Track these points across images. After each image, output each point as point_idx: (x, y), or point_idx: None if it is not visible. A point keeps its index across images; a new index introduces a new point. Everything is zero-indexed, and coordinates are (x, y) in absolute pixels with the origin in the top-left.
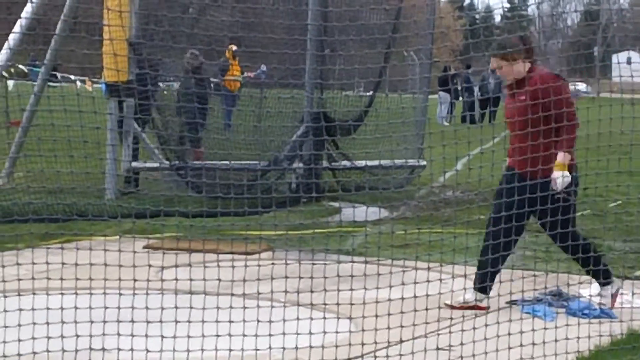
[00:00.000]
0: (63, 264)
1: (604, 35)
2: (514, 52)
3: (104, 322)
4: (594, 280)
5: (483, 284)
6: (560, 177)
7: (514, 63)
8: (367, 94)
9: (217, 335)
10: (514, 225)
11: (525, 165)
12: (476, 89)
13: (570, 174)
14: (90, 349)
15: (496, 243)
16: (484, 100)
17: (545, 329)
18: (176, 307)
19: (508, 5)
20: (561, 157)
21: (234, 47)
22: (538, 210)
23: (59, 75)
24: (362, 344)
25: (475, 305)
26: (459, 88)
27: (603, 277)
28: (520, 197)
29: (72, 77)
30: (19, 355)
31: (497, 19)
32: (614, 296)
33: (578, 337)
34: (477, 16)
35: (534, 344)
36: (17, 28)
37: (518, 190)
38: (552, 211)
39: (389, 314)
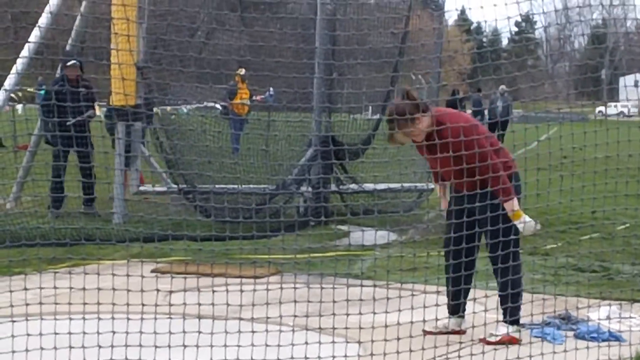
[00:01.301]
0: (71, 288)
1: (611, 59)
2: (410, 115)
3: (112, 346)
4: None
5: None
6: (523, 224)
7: (416, 124)
8: (375, 117)
9: None
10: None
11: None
12: (486, 112)
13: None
14: None
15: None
16: (493, 123)
17: (554, 352)
18: (184, 332)
19: (515, 29)
20: (509, 206)
21: (243, 71)
22: (481, 223)
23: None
24: None
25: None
26: (469, 111)
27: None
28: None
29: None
30: None
31: (505, 42)
32: (504, 336)
33: None
34: (484, 39)
35: None
36: (24, 52)
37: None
38: (493, 225)
39: (398, 338)
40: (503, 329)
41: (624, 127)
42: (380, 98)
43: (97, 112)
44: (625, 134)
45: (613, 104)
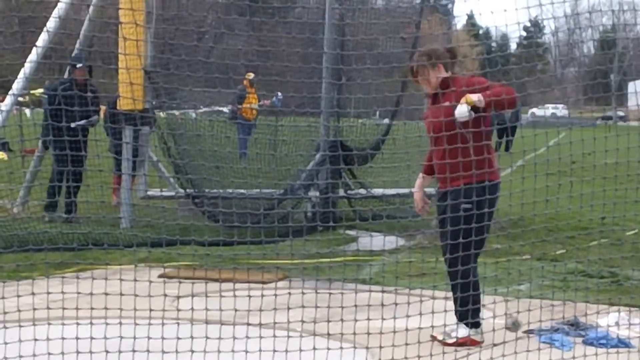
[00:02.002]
0: (78, 293)
1: (620, 64)
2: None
3: (120, 352)
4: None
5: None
6: (460, 107)
7: (436, 72)
8: (384, 122)
9: None
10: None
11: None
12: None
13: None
14: None
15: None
16: (501, 129)
17: (563, 359)
18: (192, 337)
19: (524, 34)
20: (476, 96)
21: (252, 75)
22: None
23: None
24: None
25: (468, 338)
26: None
27: (472, 317)
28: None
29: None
30: None
31: (514, 46)
32: (459, 339)
33: None
34: (493, 44)
35: None
36: (32, 56)
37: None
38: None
39: (407, 344)
40: (464, 331)
41: (635, 133)
42: (390, 103)
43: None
44: (635, 139)
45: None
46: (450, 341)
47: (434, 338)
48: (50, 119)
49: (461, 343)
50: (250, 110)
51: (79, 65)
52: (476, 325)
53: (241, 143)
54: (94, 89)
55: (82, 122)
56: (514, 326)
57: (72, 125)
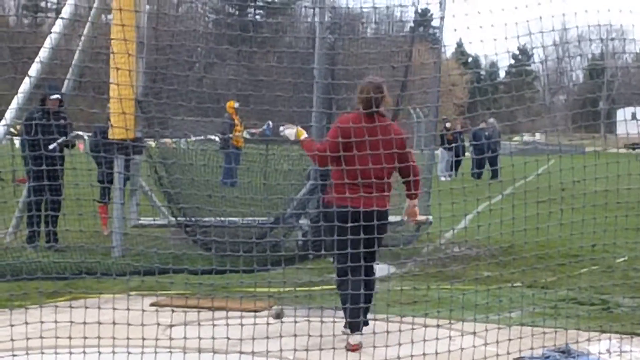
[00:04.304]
0: (71, 322)
1: (608, 92)
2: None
3: None
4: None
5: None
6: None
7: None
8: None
9: None
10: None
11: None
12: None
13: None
14: None
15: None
16: (480, 159)
17: None
18: None
19: (513, 62)
20: (304, 133)
21: (235, 104)
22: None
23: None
24: None
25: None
26: (465, 144)
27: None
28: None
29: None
30: None
31: (502, 75)
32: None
33: None
34: (482, 72)
35: None
36: (25, 86)
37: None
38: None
39: None
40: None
41: (624, 161)
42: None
43: (81, 147)
44: (625, 167)
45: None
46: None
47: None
48: (27, 149)
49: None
50: (239, 138)
51: (54, 96)
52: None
53: (229, 171)
54: (65, 116)
55: (60, 140)
56: (277, 316)
57: (50, 147)
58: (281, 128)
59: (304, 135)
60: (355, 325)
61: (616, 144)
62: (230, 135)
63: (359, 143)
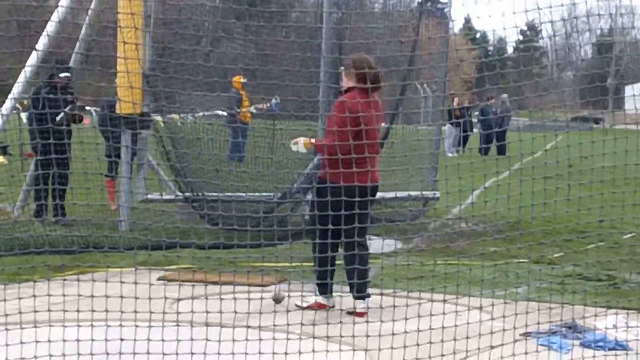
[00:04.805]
0: (79, 295)
1: (617, 68)
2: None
3: (120, 354)
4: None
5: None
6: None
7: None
8: (382, 125)
9: None
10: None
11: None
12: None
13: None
14: None
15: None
16: (488, 135)
17: None
18: (192, 339)
19: (521, 37)
20: (314, 141)
21: (242, 79)
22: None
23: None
24: None
25: (316, 303)
26: (474, 120)
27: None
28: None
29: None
30: None
31: (510, 50)
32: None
33: None
34: (490, 48)
35: None
36: (32, 60)
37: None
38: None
39: (405, 346)
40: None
41: (633, 137)
42: (389, 107)
43: (87, 122)
44: (633, 143)
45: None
46: (305, 305)
47: (298, 307)
48: (35, 123)
49: (313, 307)
50: (245, 113)
51: (63, 74)
52: (324, 292)
53: (237, 146)
54: (72, 91)
55: (67, 108)
56: (277, 300)
57: (57, 118)
58: (291, 145)
59: (311, 142)
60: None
61: (624, 120)
62: (238, 110)
63: (366, 120)
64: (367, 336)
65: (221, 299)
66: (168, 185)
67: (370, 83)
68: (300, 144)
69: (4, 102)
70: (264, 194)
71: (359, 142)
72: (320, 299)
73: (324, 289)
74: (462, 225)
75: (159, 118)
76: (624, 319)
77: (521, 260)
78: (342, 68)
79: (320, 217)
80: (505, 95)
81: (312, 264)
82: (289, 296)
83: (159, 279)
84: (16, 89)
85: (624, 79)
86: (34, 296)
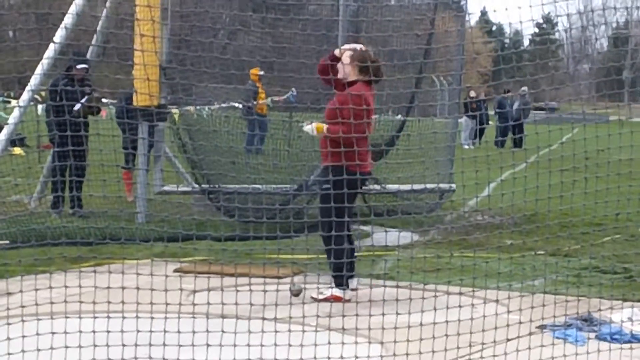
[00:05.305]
0: (95, 287)
1: (633, 61)
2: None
3: (136, 345)
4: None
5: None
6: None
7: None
8: (398, 117)
9: None
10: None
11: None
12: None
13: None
14: None
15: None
16: (505, 127)
17: (576, 354)
18: (208, 331)
19: (537, 30)
20: (324, 126)
21: (260, 72)
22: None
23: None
24: None
25: (332, 296)
26: (489, 113)
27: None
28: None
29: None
30: None
31: (526, 43)
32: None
33: None
34: (506, 41)
35: None
36: (50, 53)
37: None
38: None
39: (421, 339)
40: (328, 291)
41: None
42: (404, 99)
43: (104, 114)
44: None
45: None
46: (322, 297)
47: (313, 299)
48: (52, 115)
49: (329, 299)
50: (262, 106)
51: (81, 66)
52: (340, 284)
53: (252, 138)
54: (89, 83)
55: (84, 99)
56: (296, 294)
57: (75, 108)
58: (304, 125)
59: (323, 127)
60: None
61: None
62: (254, 103)
63: (369, 111)
64: (383, 328)
65: (237, 291)
66: (185, 177)
67: (373, 76)
68: (312, 127)
69: (22, 94)
70: (281, 185)
71: (368, 133)
72: (337, 292)
73: (340, 280)
74: (479, 218)
75: (175, 110)
76: None
77: (537, 253)
78: (347, 58)
79: (336, 205)
80: (525, 88)
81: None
82: (305, 288)
83: (175, 270)
84: (34, 80)
85: None
86: (51, 287)
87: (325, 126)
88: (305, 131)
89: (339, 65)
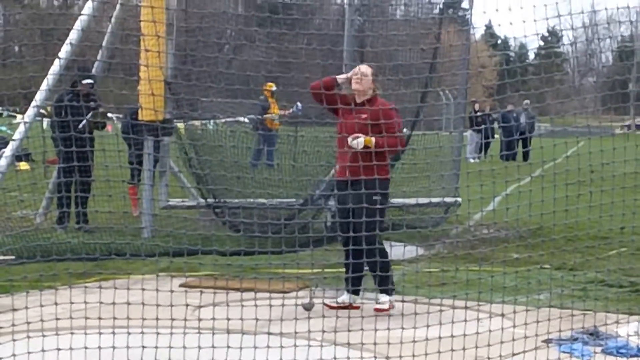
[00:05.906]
0: (101, 302)
1: (638, 74)
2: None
3: None
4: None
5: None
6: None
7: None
8: (404, 132)
9: None
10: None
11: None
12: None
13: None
14: None
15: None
16: (513, 140)
17: None
18: (213, 347)
19: (542, 44)
20: (374, 139)
21: (273, 86)
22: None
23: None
24: None
25: (350, 305)
26: (494, 127)
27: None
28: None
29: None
30: None
31: (532, 57)
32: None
33: None
34: (511, 54)
35: None
36: (55, 68)
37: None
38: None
39: (427, 353)
40: (385, 298)
41: None
42: (409, 114)
43: (109, 129)
44: None
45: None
46: (386, 307)
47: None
48: (58, 130)
49: (391, 308)
50: (271, 120)
51: (86, 81)
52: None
53: (259, 153)
54: (95, 98)
55: (89, 115)
56: (308, 309)
57: (80, 126)
58: (350, 140)
59: (371, 141)
60: None
61: None
62: (261, 117)
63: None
64: (389, 343)
65: (242, 306)
66: (190, 192)
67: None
68: (359, 141)
69: (27, 109)
70: (286, 200)
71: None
72: (392, 299)
73: (392, 287)
74: (484, 232)
75: (180, 125)
76: None
77: (543, 267)
78: (368, 75)
79: (375, 214)
80: (527, 102)
81: (334, 270)
82: (312, 303)
83: (180, 285)
84: (39, 96)
85: None
86: (56, 303)
87: (373, 139)
88: (352, 145)
89: (356, 80)
